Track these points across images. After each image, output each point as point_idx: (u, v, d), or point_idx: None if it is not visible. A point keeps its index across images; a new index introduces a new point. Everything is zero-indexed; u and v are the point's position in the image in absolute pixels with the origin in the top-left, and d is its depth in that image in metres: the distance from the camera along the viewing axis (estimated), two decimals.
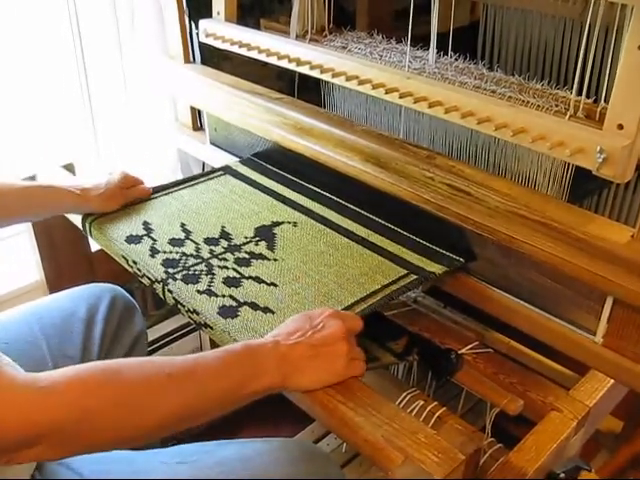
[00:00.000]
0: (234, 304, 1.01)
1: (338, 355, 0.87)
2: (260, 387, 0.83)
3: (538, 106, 1.03)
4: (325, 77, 1.24)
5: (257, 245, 1.16)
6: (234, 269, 1.09)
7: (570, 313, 1.01)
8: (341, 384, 0.87)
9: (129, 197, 1.28)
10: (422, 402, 1.08)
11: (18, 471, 0.85)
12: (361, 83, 1.18)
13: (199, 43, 1.55)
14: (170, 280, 1.07)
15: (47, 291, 1.52)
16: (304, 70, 1.28)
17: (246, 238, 1.18)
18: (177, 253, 1.13)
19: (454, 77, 1.15)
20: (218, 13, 1.49)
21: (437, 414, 1.06)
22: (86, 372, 0.75)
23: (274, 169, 1.41)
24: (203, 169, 1.70)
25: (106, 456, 0.88)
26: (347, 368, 0.88)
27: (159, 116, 1.69)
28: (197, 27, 1.51)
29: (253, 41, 1.37)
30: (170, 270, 1.09)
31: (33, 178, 1.41)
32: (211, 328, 0.98)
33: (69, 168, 1.45)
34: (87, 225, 1.23)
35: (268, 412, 1.34)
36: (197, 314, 1.01)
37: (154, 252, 1.14)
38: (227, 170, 1.42)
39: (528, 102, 1.05)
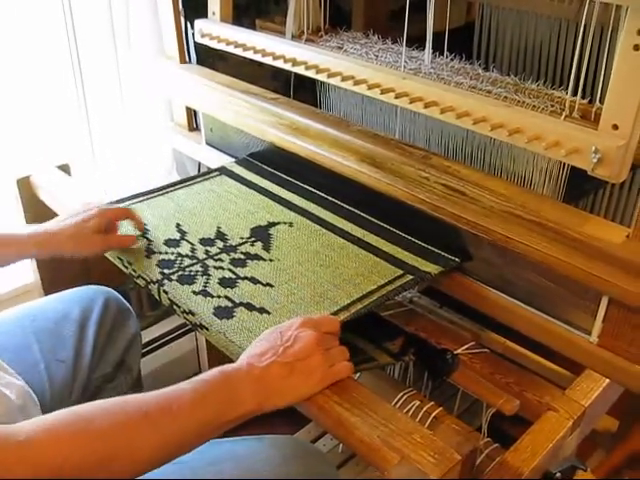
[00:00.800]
0: (230, 305, 1.01)
1: (313, 367, 0.86)
2: (237, 415, 0.82)
3: (534, 106, 1.03)
4: (321, 77, 1.24)
5: (253, 245, 1.16)
6: (230, 270, 1.09)
7: (566, 313, 1.01)
8: (337, 385, 0.87)
9: (111, 244, 1.17)
10: (418, 402, 1.08)
11: None
12: (357, 83, 1.18)
13: (195, 43, 1.55)
14: (165, 281, 1.07)
15: (42, 292, 1.51)
16: (300, 70, 1.28)
17: (242, 238, 1.18)
18: (173, 254, 1.13)
19: (450, 77, 1.15)
20: (214, 13, 1.49)
21: (433, 414, 1.06)
22: (61, 422, 0.73)
23: (270, 169, 1.41)
24: (199, 169, 1.69)
25: None
26: (327, 377, 0.87)
27: (155, 116, 1.68)
28: (193, 27, 1.51)
29: (249, 41, 1.37)
30: (165, 271, 1.09)
31: (28, 178, 1.41)
32: (207, 329, 0.98)
33: (64, 169, 1.45)
34: None
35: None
36: (193, 315, 1.01)
37: (149, 253, 1.14)
38: (223, 170, 1.42)
39: (524, 102, 1.05)
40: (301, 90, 1.54)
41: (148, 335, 1.88)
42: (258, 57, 1.35)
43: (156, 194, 1.33)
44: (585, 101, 1.01)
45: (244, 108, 1.37)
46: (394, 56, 1.25)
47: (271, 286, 1.05)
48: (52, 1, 1.51)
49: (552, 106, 1.03)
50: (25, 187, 1.41)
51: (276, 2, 1.67)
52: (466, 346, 1.13)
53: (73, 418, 0.74)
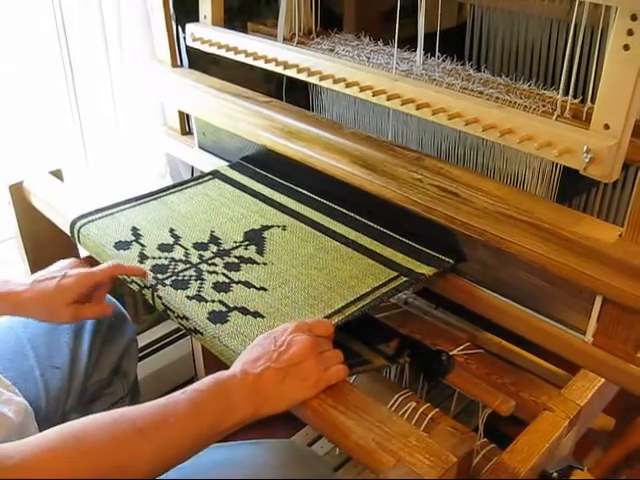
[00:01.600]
0: (224, 309, 1.01)
1: (307, 372, 0.86)
2: (233, 423, 0.82)
3: (525, 107, 1.03)
4: (312, 80, 1.24)
5: (246, 249, 1.16)
6: (223, 274, 1.09)
7: (560, 313, 1.01)
8: (331, 388, 0.87)
9: (82, 315, 1.10)
10: (414, 404, 1.08)
11: None
12: (348, 86, 1.18)
13: (186, 47, 1.55)
14: (159, 286, 1.06)
15: None
16: (291, 73, 1.28)
17: (235, 242, 1.18)
18: (166, 259, 1.13)
19: (441, 78, 1.15)
20: (205, 17, 1.49)
21: (430, 415, 1.06)
22: (55, 441, 0.72)
23: (263, 173, 1.41)
24: (192, 173, 1.69)
25: None
26: (321, 380, 0.87)
27: (147, 121, 1.68)
28: (184, 31, 1.51)
29: (240, 45, 1.36)
30: (159, 276, 1.09)
31: (20, 184, 1.41)
32: (201, 334, 0.98)
33: (57, 174, 1.45)
34: (75, 231, 1.23)
35: None
36: (187, 320, 1.00)
37: (143, 258, 1.13)
38: (216, 174, 1.42)
39: (515, 103, 1.05)
40: (294, 92, 1.54)
41: (144, 339, 1.88)
42: (250, 60, 1.35)
43: (149, 199, 1.32)
44: (577, 101, 1.01)
45: (236, 112, 1.37)
46: (386, 58, 1.24)
47: (265, 290, 1.05)
48: (44, 6, 1.51)
49: (544, 106, 1.03)
50: (18, 193, 1.41)
51: (267, 4, 1.67)
52: (461, 347, 1.13)
53: (67, 437, 0.73)
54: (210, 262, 1.12)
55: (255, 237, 1.19)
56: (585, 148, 0.89)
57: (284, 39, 1.41)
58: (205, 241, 1.18)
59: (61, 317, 1.08)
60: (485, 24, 1.62)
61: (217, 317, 0.99)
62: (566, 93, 1.01)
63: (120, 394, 1.34)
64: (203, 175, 1.43)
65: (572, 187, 1.20)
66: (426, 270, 1.08)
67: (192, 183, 1.38)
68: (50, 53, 1.56)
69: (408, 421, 1.01)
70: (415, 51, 1.22)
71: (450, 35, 1.63)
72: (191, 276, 1.09)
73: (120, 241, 1.18)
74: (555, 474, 1.03)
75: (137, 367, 1.41)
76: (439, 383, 1.10)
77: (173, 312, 1.03)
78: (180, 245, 1.17)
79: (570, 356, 1.02)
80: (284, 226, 1.22)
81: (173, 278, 1.08)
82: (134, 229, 1.21)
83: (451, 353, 1.10)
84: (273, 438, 1.06)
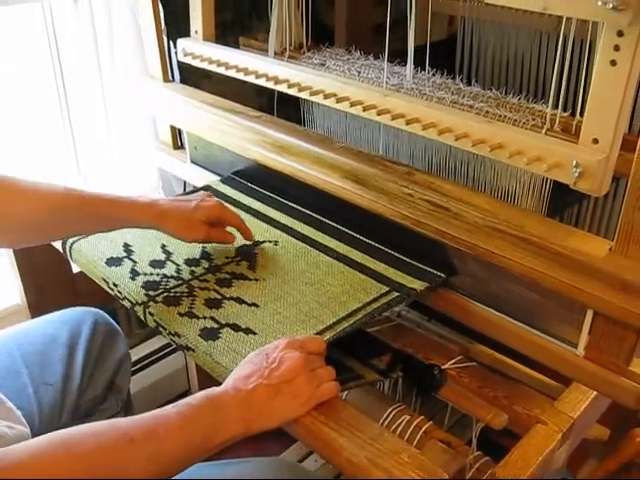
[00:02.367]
0: (215, 326, 1.01)
1: (299, 389, 0.86)
2: (223, 439, 0.82)
3: (515, 120, 1.03)
4: (303, 95, 1.25)
5: (238, 265, 1.16)
6: (215, 290, 1.09)
7: (552, 326, 1.01)
8: (323, 405, 0.88)
9: (212, 237, 1.17)
10: (408, 417, 1.07)
11: None
12: (339, 101, 1.18)
13: (178, 62, 1.55)
14: (151, 302, 1.06)
15: (29, 313, 1.51)
16: (282, 88, 1.28)
17: (227, 258, 1.18)
18: (158, 275, 1.13)
19: (432, 93, 1.15)
20: (196, 32, 1.49)
21: (423, 429, 1.05)
22: (47, 447, 0.72)
23: (255, 187, 1.41)
24: (184, 188, 1.69)
25: None
26: (312, 398, 0.87)
27: (140, 135, 1.68)
28: (176, 46, 1.51)
29: (231, 60, 1.37)
30: (151, 292, 1.09)
31: None
32: (193, 350, 0.98)
33: None
34: (67, 248, 1.22)
35: None
36: (178, 337, 1.00)
37: (135, 274, 1.13)
38: (208, 189, 1.41)
39: (505, 116, 1.05)
40: (285, 105, 1.54)
41: (137, 353, 1.88)
42: (241, 75, 1.35)
43: None
44: (566, 114, 1.01)
45: (227, 126, 1.37)
46: (376, 72, 1.25)
47: (257, 306, 1.05)
48: (36, 21, 1.51)
49: (533, 120, 1.03)
50: None
51: (259, 19, 1.68)
52: (454, 360, 1.13)
53: (59, 443, 0.74)
54: (202, 278, 1.12)
55: (247, 252, 1.19)
56: (574, 162, 0.90)
57: (275, 53, 1.41)
58: (197, 257, 1.18)
59: (196, 233, 1.14)
60: (475, 36, 1.63)
61: (209, 334, 0.99)
62: (555, 106, 1.01)
63: (114, 410, 1.34)
64: (195, 190, 1.43)
65: (563, 200, 1.21)
66: (418, 285, 1.08)
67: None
68: (42, 68, 1.56)
69: (401, 435, 1.01)
70: (406, 64, 1.22)
71: (441, 47, 1.64)
72: (183, 292, 1.09)
73: (112, 257, 1.18)
74: None
75: (130, 382, 1.41)
76: (432, 397, 1.10)
77: (165, 329, 1.03)
78: (172, 261, 1.17)
79: (562, 369, 1.02)
80: (276, 241, 1.22)
81: (165, 294, 1.08)
82: (126, 245, 1.21)
83: (443, 367, 1.10)
84: (266, 453, 1.06)
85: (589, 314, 0.95)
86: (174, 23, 1.55)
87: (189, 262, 1.17)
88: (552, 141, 0.96)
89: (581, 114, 0.94)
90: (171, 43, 1.56)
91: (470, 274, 1.08)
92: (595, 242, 0.94)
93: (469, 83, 1.19)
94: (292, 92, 1.26)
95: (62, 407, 1.21)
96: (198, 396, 0.84)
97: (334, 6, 1.79)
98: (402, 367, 1.07)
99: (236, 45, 1.55)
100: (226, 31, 1.61)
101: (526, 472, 0.97)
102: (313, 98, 1.23)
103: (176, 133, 1.63)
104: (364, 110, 1.15)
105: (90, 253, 1.19)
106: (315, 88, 1.22)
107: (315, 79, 1.23)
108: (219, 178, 1.48)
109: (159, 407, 0.81)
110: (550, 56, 1.47)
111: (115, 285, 1.12)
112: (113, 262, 1.16)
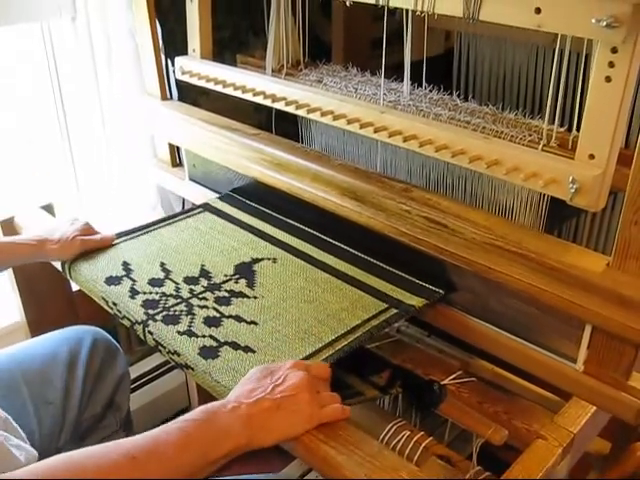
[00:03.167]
0: (215, 344, 1.01)
1: (301, 405, 0.86)
2: (226, 451, 0.81)
3: (512, 136, 1.04)
4: (300, 112, 1.25)
5: (237, 283, 1.16)
6: (214, 308, 1.09)
7: (550, 341, 1.01)
8: (323, 422, 0.87)
9: (88, 245, 1.26)
10: (408, 432, 1.07)
11: None
12: (336, 118, 1.19)
13: (176, 80, 1.56)
14: (150, 321, 1.06)
15: (28, 332, 1.51)
16: (280, 106, 1.29)
17: (226, 276, 1.18)
18: (157, 293, 1.13)
19: (429, 109, 1.16)
20: (194, 50, 1.50)
21: (423, 444, 1.05)
22: (51, 470, 0.72)
23: (253, 204, 1.41)
24: (183, 205, 1.70)
25: None
26: (314, 416, 0.87)
27: (138, 153, 1.69)
28: (173, 64, 1.52)
29: (229, 78, 1.38)
30: (150, 311, 1.09)
31: (12, 220, 1.41)
32: (192, 369, 0.98)
33: (48, 209, 1.45)
34: (66, 267, 1.23)
35: None
36: (178, 355, 1.00)
37: (134, 293, 1.13)
38: (206, 207, 1.42)
39: (502, 132, 1.05)
40: (284, 122, 1.55)
41: (138, 370, 1.87)
42: (238, 93, 1.36)
43: (140, 233, 1.32)
44: (563, 129, 1.02)
45: (225, 144, 1.38)
46: (373, 89, 1.25)
47: (256, 324, 1.05)
48: (35, 40, 1.52)
49: (530, 135, 1.03)
50: (9, 228, 1.41)
51: (256, 36, 1.68)
52: (453, 376, 1.13)
53: (63, 467, 0.73)
54: (201, 296, 1.12)
55: (245, 270, 1.19)
56: (571, 178, 0.90)
57: (273, 71, 1.42)
58: (196, 275, 1.18)
59: (74, 249, 1.25)
60: (472, 51, 1.63)
61: (208, 352, 0.99)
62: (552, 122, 1.01)
63: (113, 428, 1.34)
64: (193, 208, 1.43)
65: (561, 215, 1.21)
66: (416, 301, 1.08)
67: (182, 216, 1.39)
68: (41, 87, 1.57)
69: (402, 450, 1.01)
70: (403, 80, 1.23)
71: (438, 62, 1.64)
72: (182, 311, 1.09)
73: (111, 276, 1.18)
74: None
75: (130, 400, 1.41)
76: (432, 412, 1.10)
77: (164, 347, 1.03)
78: (171, 279, 1.17)
79: (561, 384, 1.02)
80: (274, 258, 1.22)
81: (164, 313, 1.08)
82: (125, 264, 1.22)
83: (443, 382, 1.10)
84: (268, 468, 1.06)
85: (587, 329, 0.96)
86: (172, 41, 1.55)
87: (188, 280, 1.17)
88: (548, 157, 0.96)
89: (578, 129, 0.95)
90: (169, 61, 1.57)
91: (468, 290, 1.08)
92: (592, 257, 0.95)
93: (466, 98, 1.19)
94: (290, 109, 1.27)
95: (62, 425, 1.21)
96: (198, 410, 0.83)
97: (331, 22, 1.80)
98: (401, 383, 1.07)
99: (233, 63, 1.56)
100: (223, 49, 1.61)
101: None
102: (310, 115, 1.24)
103: (174, 151, 1.63)
104: (361, 127, 1.15)
105: (89, 272, 1.20)
106: (312, 106, 1.23)
107: (312, 97, 1.24)
108: (218, 195, 1.48)
109: (159, 424, 0.81)
110: (546, 71, 1.47)
111: (114, 304, 1.12)
112: (112, 281, 1.17)
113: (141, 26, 1.49)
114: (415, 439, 1.06)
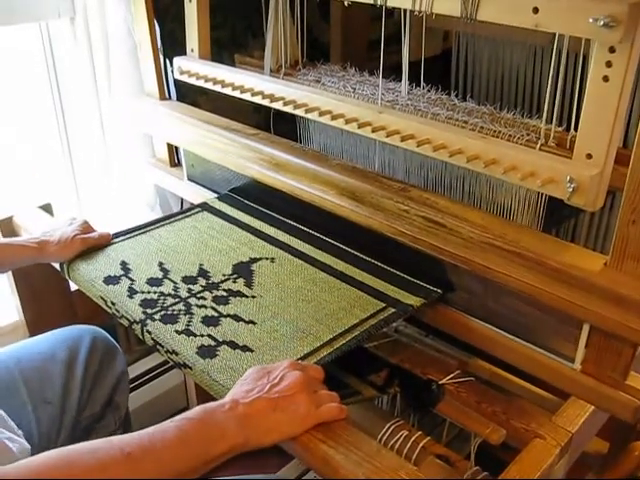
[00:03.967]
0: (213, 343, 1.01)
1: (298, 405, 0.86)
2: (222, 451, 0.81)
3: (510, 136, 1.04)
4: (298, 112, 1.25)
5: (235, 282, 1.16)
6: (212, 308, 1.09)
7: (548, 341, 1.01)
8: (321, 422, 0.87)
9: (88, 243, 1.27)
10: (406, 432, 1.07)
11: None
12: (334, 118, 1.19)
13: (174, 80, 1.56)
14: (148, 321, 1.06)
15: (27, 331, 1.51)
16: (278, 106, 1.29)
17: (224, 275, 1.18)
18: (155, 293, 1.13)
19: (427, 109, 1.16)
20: (192, 50, 1.50)
21: (421, 444, 1.05)
22: (46, 465, 0.72)
23: (251, 204, 1.41)
24: (182, 204, 1.70)
25: None
26: (311, 416, 0.87)
27: (136, 153, 1.69)
28: (172, 64, 1.52)
29: (227, 77, 1.37)
30: (148, 310, 1.09)
31: (10, 219, 1.41)
32: (190, 368, 0.98)
33: (47, 209, 1.45)
34: (65, 267, 1.23)
35: None
36: (176, 354, 1.00)
37: (132, 292, 1.13)
38: (204, 207, 1.42)
39: (500, 132, 1.05)
40: (282, 121, 1.55)
41: (136, 369, 1.87)
42: (237, 93, 1.35)
43: (138, 232, 1.33)
44: (560, 129, 1.02)
45: (224, 144, 1.38)
46: (371, 88, 1.25)
47: (254, 323, 1.05)
48: (33, 41, 1.52)
49: (528, 135, 1.03)
50: (7, 228, 1.41)
51: (254, 37, 1.68)
52: (451, 375, 1.13)
53: (57, 461, 0.74)
54: (199, 296, 1.12)
55: (244, 270, 1.19)
56: (568, 178, 0.90)
57: (271, 71, 1.42)
58: (194, 275, 1.18)
59: (74, 248, 1.25)
60: (470, 51, 1.63)
61: (206, 352, 0.99)
62: (550, 121, 1.01)
63: (112, 427, 1.34)
64: (192, 208, 1.43)
65: (559, 214, 1.21)
66: (414, 301, 1.09)
67: (181, 216, 1.39)
68: (40, 87, 1.57)
69: (400, 450, 1.01)
70: (401, 80, 1.23)
71: (436, 62, 1.64)
72: (180, 310, 1.09)
73: (109, 276, 1.18)
74: None
75: (128, 399, 1.41)
76: (430, 412, 1.10)
77: (162, 347, 1.03)
78: (169, 279, 1.17)
79: (559, 384, 1.02)
80: (272, 258, 1.23)
81: (162, 313, 1.08)
82: (123, 263, 1.22)
83: (441, 382, 1.10)
84: (266, 468, 1.06)
85: (585, 328, 0.96)
86: (170, 41, 1.55)
87: (186, 280, 1.17)
88: (546, 156, 0.96)
89: (575, 129, 0.95)
90: (167, 61, 1.57)
91: (466, 290, 1.08)
92: (590, 257, 0.95)
93: (464, 98, 1.19)
94: (288, 109, 1.27)
95: (61, 424, 1.21)
96: (195, 410, 0.83)
97: (329, 23, 1.80)
98: (399, 383, 1.07)
99: (232, 63, 1.56)
100: (222, 49, 1.61)
101: None
102: (309, 115, 1.24)
103: (173, 150, 1.63)
104: (359, 127, 1.15)
105: (88, 272, 1.20)
106: (310, 105, 1.23)
107: (310, 96, 1.24)
108: (216, 195, 1.48)
109: (157, 423, 0.81)
110: (544, 71, 1.47)
111: (113, 304, 1.12)
112: (111, 280, 1.17)
113: (139, 26, 1.50)
114: (413, 439, 1.06)
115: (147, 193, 1.72)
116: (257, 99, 1.32)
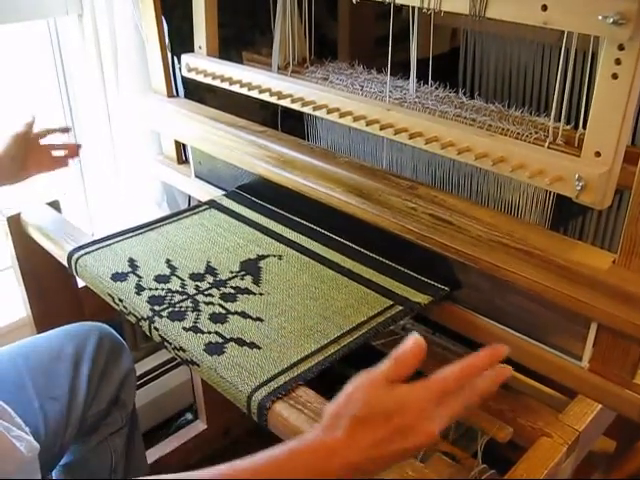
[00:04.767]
0: (220, 340, 1.01)
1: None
2: None
3: (518, 134, 1.03)
4: (306, 110, 1.25)
5: (243, 279, 1.16)
6: (220, 305, 1.09)
7: (556, 339, 1.01)
8: None
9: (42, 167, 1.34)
10: None
11: None
12: (342, 115, 1.19)
13: (182, 77, 1.56)
14: (156, 317, 1.07)
15: (34, 328, 1.51)
16: (285, 103, 1.29)
17: (232, 273, 1.18)
18: (163, 290, 1.13)
19: (434, 106, 1.15)
20: (200, 47, 1.50)
21: None
22: None
23: (259, 201, 1.41)
24: (189, 202, 1.70)
25: None
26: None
27: (144, 150, 1.69)
28: (179, 61, 1.52)
29: (235, 74, 1.37)
30: (156, 307, 1.09)
31: (18, 216, 1.41)
32: (197, 365, 0.98)
33: (54, 205, 1.45)
34: (72, 263, 1.23)
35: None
36: (183, 351, 1.01)
37: (140, 289, 1.13)
38: (212, 204, 1.42)
39: (508, 130, 1.05)
40: (290, 118, 1.55)
41: (143, 366, 1.88)
42: (244, 90, 1.36)
43: (146, 229, 1.33)
44: (569, 127, 1.02)
45: (231, 141, 1.38)
46: (379, 86, 1.25)
47: (261, 320, 1.05)
48: (41, 36, 1.52)
49: (536, 133, 1.03)
50: (15, 224, 1.41)
51: (262, 34, 1.68)
52: None
53: None
54: (206, 293, 1.12)
55: (251, 267, 1.20)
56: (577, 176, 0.90)
57: (279, 68, 1.42)
58: (201, 272, 1.18)
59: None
60: (478, 49, 1.63)
61: (214, 348, 0.99)
62: (558, 119, 1.01)
63: (118, 424, 1.34)
64: (199, 205, 1.43)
65: (567, 212, 1.21)
66: (422, 298, 1.08)
67: (188, 213, 1.39)
68: (47, 83, 1.57)
69: None
70: (409, 78, 1.23)
71: (443, 60, 1.64)
72: (187, 307, 1.09)
73: (117, 272, 1.18)
74: None
75: (136, 394, 1.41)
76: None
77: (170, 344, 1.03)
78: (177, 276, 1.17)
79: (566, 382, 1.02)
80: (280, 255, 1.23)
81: (170, 309, 1.08)
82: (131, 260, 1.22)
83: None
84: None
85: (593, 327, 0.95)
86: (178, 38, 1.55)
87: (194, 277, 1.17)
88: (554, 154, 0.96)
89: (584, 127, 0.95)
90: (175, 58, 1.57)
91: (474, 287, 1.08)
92: (598, 255, 0.94)
93: (472, 96, 1.19)
94: (295, 107, 1.27)
95: (67, 421, 1.21)
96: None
97: (337, 20, 1.79)
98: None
99: (239, 60, 1.56)
100: (229, 46, 1.61)
101: None
102: (316, 113, 1.24)
103: (180, 148, 1.63)
104: (367, 124, 1.15)
105: (95, 268, 1.20)
106: (318, 103, 1.23)
107: (318, 94, 1.24)
108: (223, 192, 1.48)
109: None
110: (553, 68, 1.46)
111: (120, 300, 1.12)
112: (118, 277, 1.17)
113: (147, 23, 1.49)
114: None
115: (154, 190, 1.72)
116: (265, 96, 1.32)
